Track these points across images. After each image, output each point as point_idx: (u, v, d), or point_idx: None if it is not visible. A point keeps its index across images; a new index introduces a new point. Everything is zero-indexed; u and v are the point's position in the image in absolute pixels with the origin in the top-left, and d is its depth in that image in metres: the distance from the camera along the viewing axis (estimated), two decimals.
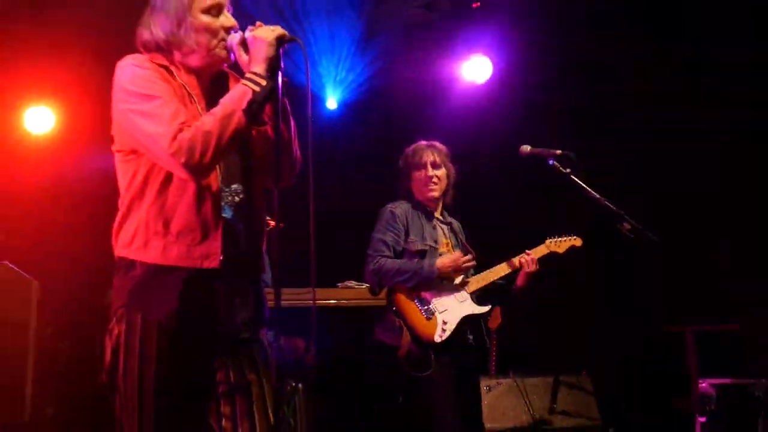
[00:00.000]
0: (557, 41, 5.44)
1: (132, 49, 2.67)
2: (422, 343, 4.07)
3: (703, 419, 4.58)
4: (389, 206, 4.35)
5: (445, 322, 4.11)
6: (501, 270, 4.28)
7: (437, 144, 4.42)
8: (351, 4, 5.83)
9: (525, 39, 5.60)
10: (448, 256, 4.19)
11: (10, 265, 6.01)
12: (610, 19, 5.29)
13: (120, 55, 2.63)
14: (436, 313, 4.13)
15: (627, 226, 3.83)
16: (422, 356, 4.06)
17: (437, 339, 4.07)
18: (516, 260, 4.27)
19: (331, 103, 6.40)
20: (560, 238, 4.37)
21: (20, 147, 6.92)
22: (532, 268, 4.25)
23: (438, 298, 4.15)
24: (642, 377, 5.22)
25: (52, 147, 7.01)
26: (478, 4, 5.60)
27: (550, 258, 4.31)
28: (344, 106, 6.49)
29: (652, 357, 5.24)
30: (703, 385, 4.66)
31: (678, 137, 5.28)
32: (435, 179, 4.30)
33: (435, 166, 4.31)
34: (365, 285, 5.27)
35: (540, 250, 4.33)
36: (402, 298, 4.13)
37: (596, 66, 5.41)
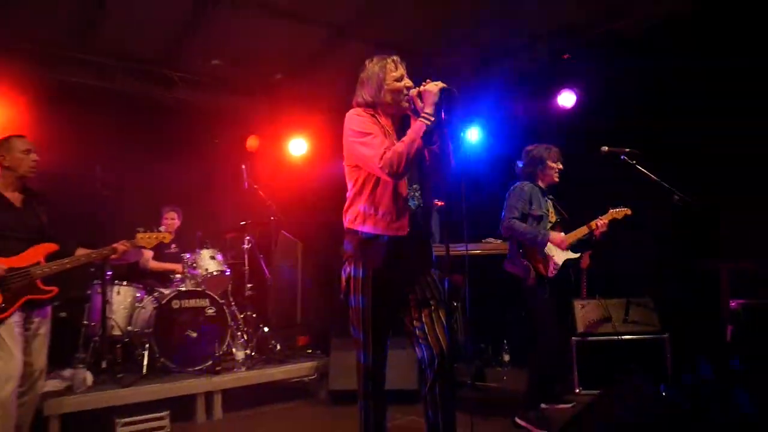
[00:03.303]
0: (619, 79, 5.32)
1: (350, 103, 2.91)
2: (541, 276, 4.09)
3: (732, 327, 4.47)
4: (519, 184, 4.22)
5: (555, 264, 4.13)
6: (584, 230, 4.22)
7: None
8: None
9: (600, 77, 5.53)
10: (558, 235, 4.13)
11: (286, 233, 6.58)
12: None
13: (346, 106, 2.89)
14: (551, 258, 4.13)
15: (676, 197, 3.80)
16: (540, 285, 4.08)
17: (550, 274, 4.10)
18: (593, 223, 4.21)
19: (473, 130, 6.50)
20: (619, 209, 4.27)
21: (286, 165, 7.32)
22: (604, 228, 4.19)
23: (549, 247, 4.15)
24: (691, 299, 5.00)
25: (306, 164, 7.36)
26: (568, 56, 5.55)
27: (612, 222, 4.24)
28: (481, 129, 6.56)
29: (698, 285, 5.01)
30: (733, 304, 4.51)
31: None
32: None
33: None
34: (499, 240, 5.40)
35: (607, 217, 4.23)
36: (527, 247, 4.11)
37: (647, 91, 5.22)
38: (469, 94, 5.93)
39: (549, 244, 4.14)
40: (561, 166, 4.28)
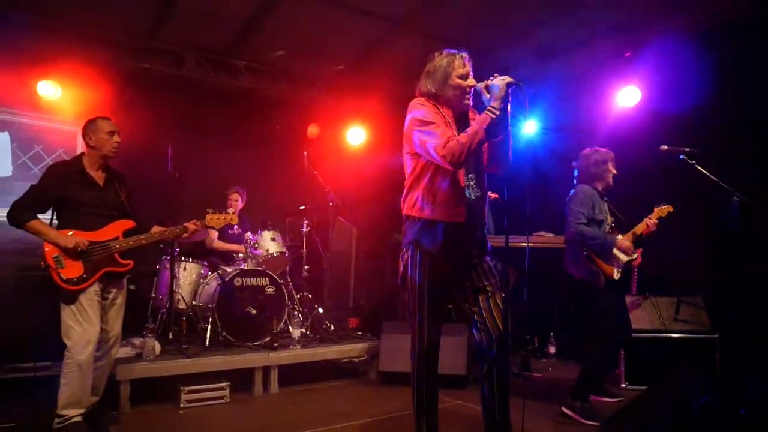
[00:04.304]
0: (679, 78, 5.10)
1: (412, 94, 2.92)
2: (607, 279, 4.04)
3: None
4: (581, 188, 4.14)
5: (618, 266, 4.08)
6: (638, 230, 4.12)
7: None
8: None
9: (662, 75, 5.31)
10: (625, 242, 4.05)
11: (342, 219, 6.65)
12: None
13: (403, 97, 2.90)
14: (614, 260, 4.07)
15: (735, 198, 3.69)
16: (607, 287, 4.04)
17: (616, 276, 4.06)
18: (644, 223, 4.12)
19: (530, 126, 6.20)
20: (662, 206, 4.17)
21: (344, 153, 7.36)
22: (653, 228, 4.12)
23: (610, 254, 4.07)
24: (743, 300, 4.70)
25: (364, 153, 7.38)
26: (629, 54, 5.38)
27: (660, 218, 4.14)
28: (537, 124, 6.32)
29: (751, 288, 4.66)
30: None
31: None
32: None
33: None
34: (550, 234, 5.41)
35: (655, 215, 4.14)
36: (595, 251, 4.03)
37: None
38: (527, 89, 5.78)
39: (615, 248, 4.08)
40: (616, 171, 4.22)
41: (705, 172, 3.86)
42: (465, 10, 5.27)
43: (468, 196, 2.82)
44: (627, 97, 5.59)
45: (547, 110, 5.96)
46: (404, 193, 2.92)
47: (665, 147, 3.98)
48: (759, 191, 4.18)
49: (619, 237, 4.10)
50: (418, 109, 2.81)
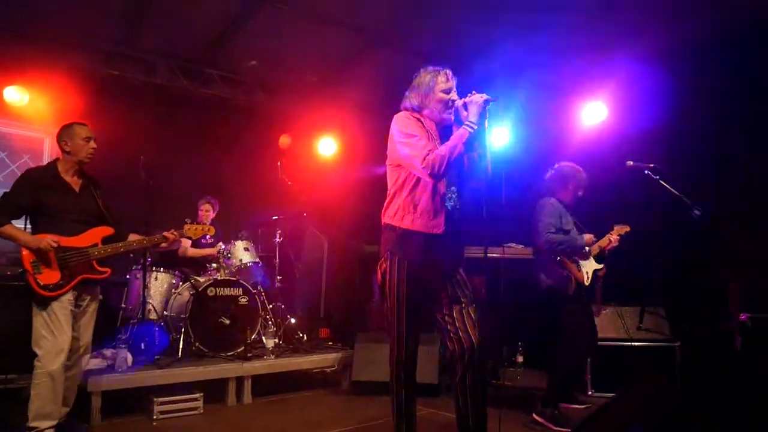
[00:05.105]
0: (645, 95, 5.26)
1: (384, 107, 3.09)
2: (579, 284, 4.13)
3: (740, 338, 4.38)
4: (548, 200, 4.25)
5: (587, 272, 4.21)
6: (605, 242, 4.24)
7: None
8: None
9: (626, 92, 5.45)
10: (590, 236, 4.20)
11: (315, 230, 6.69)
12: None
13: (376, 110, 3.02)
14: (583, 267, 4.20)
15: (696, 212, 3.81)
16: (578, 292, 4.13)
17: (586, 282, 4.18)
18: (607, 238, 4.25)
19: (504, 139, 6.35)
20: (621, 225, 4.30)
21: (315, 165, 7.29)
22: (616, 243, 4.26)
23: (580, 258, 4.22)
24: (702, 310, 4.96)
25: (335, 164, 7.34)
26: (597, 71, 5.52)
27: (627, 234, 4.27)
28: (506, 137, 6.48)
29: (710, 298, 4.92)
30: (743, 317, 4.61)
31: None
32: None
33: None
34: (520, 246, 5.42)
35: (616, 232, 4.26)
36: (565, 259, 4.15)
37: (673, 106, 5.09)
38: (503, 105, 5.88)
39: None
40: (581, 194, 4.34)
41: (668, 186, 4.00)
42: (438, 25, 5.36)
43: (448, 207, 2.88)
44: (594, 112, 5.74)
45: (519, 124, 6.09)
46: (386, 203, 2.97)
47: (631, 162, 4.11)
48: (719, 206, 4.40)
49: (586, 236, 4.23)
50: (402, 122, 2.88)
